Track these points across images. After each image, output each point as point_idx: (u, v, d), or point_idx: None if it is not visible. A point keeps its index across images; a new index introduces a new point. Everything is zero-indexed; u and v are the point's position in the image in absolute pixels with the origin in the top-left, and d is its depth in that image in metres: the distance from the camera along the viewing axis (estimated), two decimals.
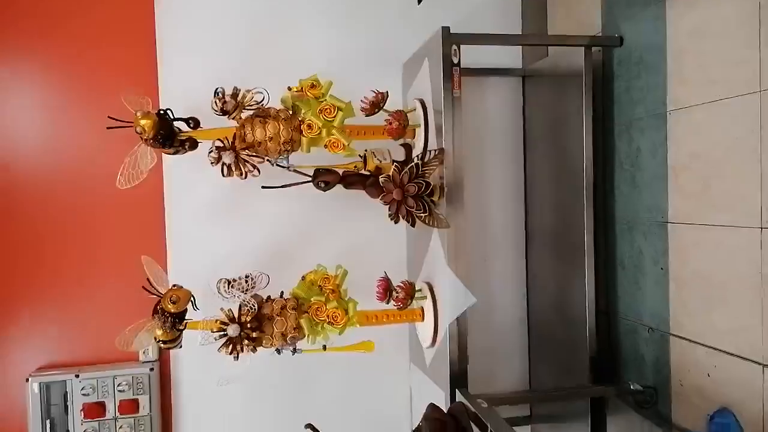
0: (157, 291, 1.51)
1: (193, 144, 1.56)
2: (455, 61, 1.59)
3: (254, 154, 1.53)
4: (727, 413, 1.35)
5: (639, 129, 1.65)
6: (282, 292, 1.63)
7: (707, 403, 1.42)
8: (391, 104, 1.66)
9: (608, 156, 1.79)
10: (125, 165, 1.53)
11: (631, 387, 1.63)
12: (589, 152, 1.73)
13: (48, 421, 1.80)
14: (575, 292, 1.78)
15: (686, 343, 1.49)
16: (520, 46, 2.16)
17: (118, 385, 1.83)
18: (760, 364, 1.27)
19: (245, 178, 1.53)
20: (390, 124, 1.64)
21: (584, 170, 1.73)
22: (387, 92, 1.63)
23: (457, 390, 1.57)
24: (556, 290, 1.95)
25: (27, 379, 1.81)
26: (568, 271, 1.83)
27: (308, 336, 1.56)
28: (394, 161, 1.58)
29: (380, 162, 1.67)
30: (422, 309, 1.74)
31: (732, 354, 1.34)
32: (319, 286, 1.62)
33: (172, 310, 1.48)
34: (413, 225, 1.56)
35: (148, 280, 1.50)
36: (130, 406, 1.83)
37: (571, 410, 1.81)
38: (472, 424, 1.38)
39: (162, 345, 1.52)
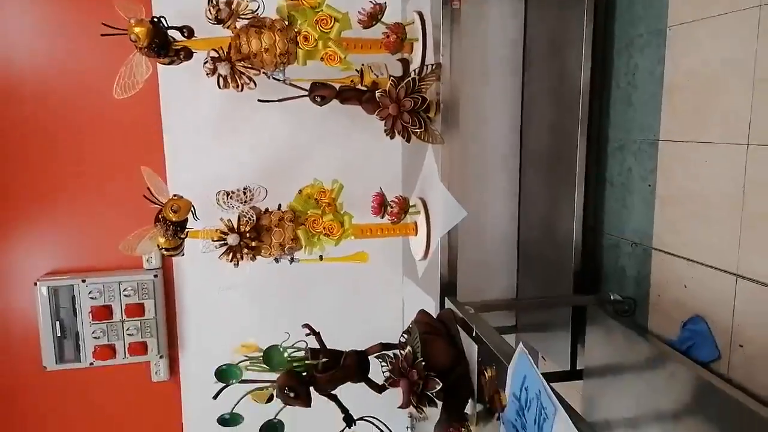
0: (158, 200, 1.55)
1: (188, 54, 1.55)
2: None
3: (250, 65, 1.52)
4: (699, 320, 1.44)
5: (638, 47, 1.64)
6: (279, 205, 1.67)
7: (682, 313, 1.50)
8: (389, 17, 1.63)
9: (606, 75, 1.79)
10: (121, 74, 1.52)
11: (611, 297, 1.72)
12: (587, 71, 1.73)
13: (58, 323, 1.90)
14: (564, 209, 1.83)
15: (667, 256, 1.56)
16: None
17: (124, 290, 1.92)
18: (734, 274, 1.34)
19: (241, 90, 1.53)
20: (387, 37, 1.62)
21: (581, 89, 1.74)
22: (385, 3, 1.59)
23: (446, 298, 1.65)
24: (546, 207, 2.00)
25: (35, 284, 1.89)
26: (559, 189, 1.87)
27: (305, 247, 1.62)
28: (390, 76, 1.58)
29: (377, 77, 1.66)
30: (416, 223, 1.79)
31: (709, 266, 1.41)
32: (316, 199, 1.66)
33: (174, 219, 1.52)
34: (408, 140, 1.58)
35: (148, 189, 1.54)
36: (136, 310, 1.92)
37: (553, 319, 1.91)
38: (460, 328, 1.47)
39: (165, 252, 1.58)
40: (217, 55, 1.49)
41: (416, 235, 1.80)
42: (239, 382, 1.31)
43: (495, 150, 2.16)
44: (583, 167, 1.76)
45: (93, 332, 1.90)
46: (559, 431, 0.94)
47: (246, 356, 1.33)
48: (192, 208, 1.58)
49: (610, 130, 1.79)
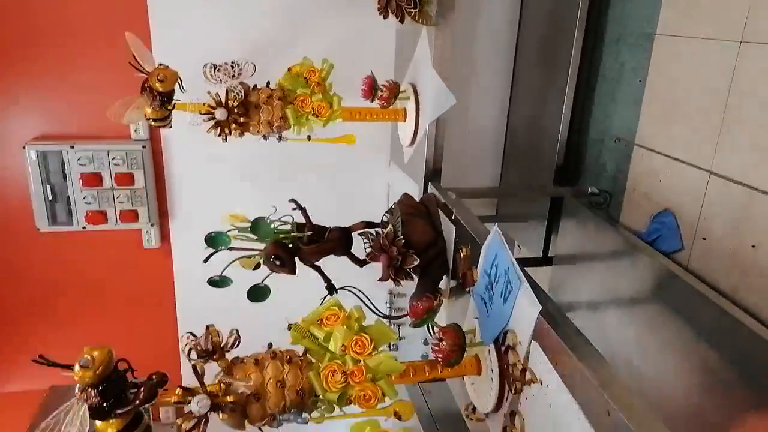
0: (144, 69, 1.52)
1: None
2: None
3: None
4: (668, 214, 1.51)
5: None
6: (268, 82, 1.65)
7: (654, 207, 1.57)
8: None
9: None
10: None
11: (588, 190, 1.78)
12: None
13: (48, 187, 1.93)
14: (554, 102, 1.83)
15: (646, 152, 1.59)
16: None
17: (113, 159, 1.93)
18: (707, 171, 1.39)
19: None
20: None
21: None
22: None
23: (430, 183, 1.69)
24: (537, 100, 1.99)
25: (24, 147, 1.89)
26: (552, 82, 1.86)
27: (293, 126, 1.62)
28: None
29: None
30: (405, 110, 1.79)
31: (685, 162, 1.46)
32: (305, 78, 1.64)
33: (160, 89, 1.50)
34: (402, 21, 1.54)
35: (134, 56, 1.50)
36: (125, 179, 1.95)
37: (532, 210, 1.98)
38: (440, 212, 1.53)
39: (152, 123, 1.57)
40: None
41: (405, 121, 1.80)
42: (228, 249, 1.38)
43: (491, 38, 2.09)
44: (577, 60, 1.75)
45: (84, 197, 1.94)
46: (522, 302, 1.02)
47: (234, 225, 1.38)
48: (179, 79, 1.56)
49: (608, 24, 1.75)
